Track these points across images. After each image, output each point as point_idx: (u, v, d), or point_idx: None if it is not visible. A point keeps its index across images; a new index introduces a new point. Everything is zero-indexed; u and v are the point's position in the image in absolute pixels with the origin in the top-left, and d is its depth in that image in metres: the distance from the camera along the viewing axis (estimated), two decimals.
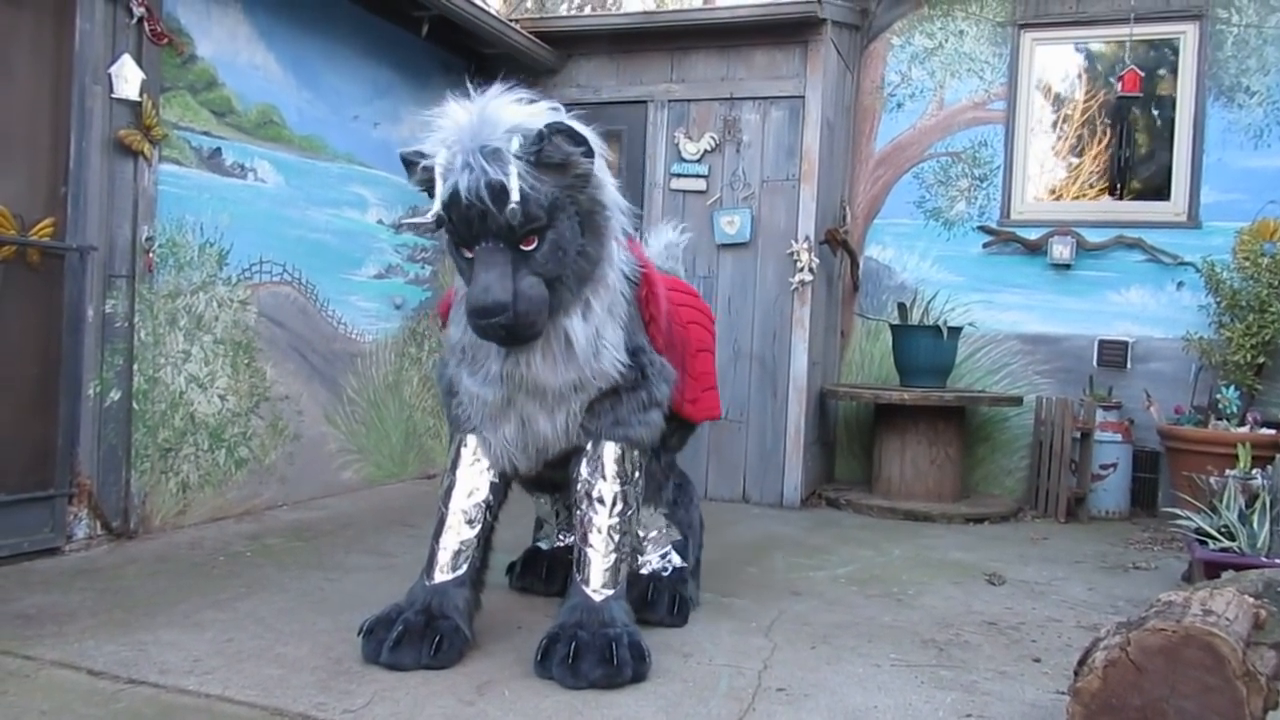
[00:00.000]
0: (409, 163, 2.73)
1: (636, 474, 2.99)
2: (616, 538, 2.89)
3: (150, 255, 4.21)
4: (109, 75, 3.96)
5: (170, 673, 2.68)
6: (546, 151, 2.58)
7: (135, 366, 4.19)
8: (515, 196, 2.52)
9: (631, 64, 6.09)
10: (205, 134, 4.52)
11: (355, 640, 2.89)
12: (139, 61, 4.05)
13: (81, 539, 3.98)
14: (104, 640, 2.91)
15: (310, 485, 5.22)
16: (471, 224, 2.58)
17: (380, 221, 5.70)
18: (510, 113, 2.63)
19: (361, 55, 5.49)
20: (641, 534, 3.36)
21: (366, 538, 4.44)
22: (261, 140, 4.84)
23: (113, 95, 3.98)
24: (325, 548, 4.23)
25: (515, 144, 2.56)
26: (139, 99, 4.04)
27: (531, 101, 2.74)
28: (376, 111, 5.64)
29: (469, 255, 2.66)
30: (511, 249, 2.61)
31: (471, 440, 3.01)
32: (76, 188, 3.89)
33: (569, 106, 6.46)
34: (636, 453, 2.98)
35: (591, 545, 2.88)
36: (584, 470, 2.93)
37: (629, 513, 2.94)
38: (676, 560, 3.44)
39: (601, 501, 2.90)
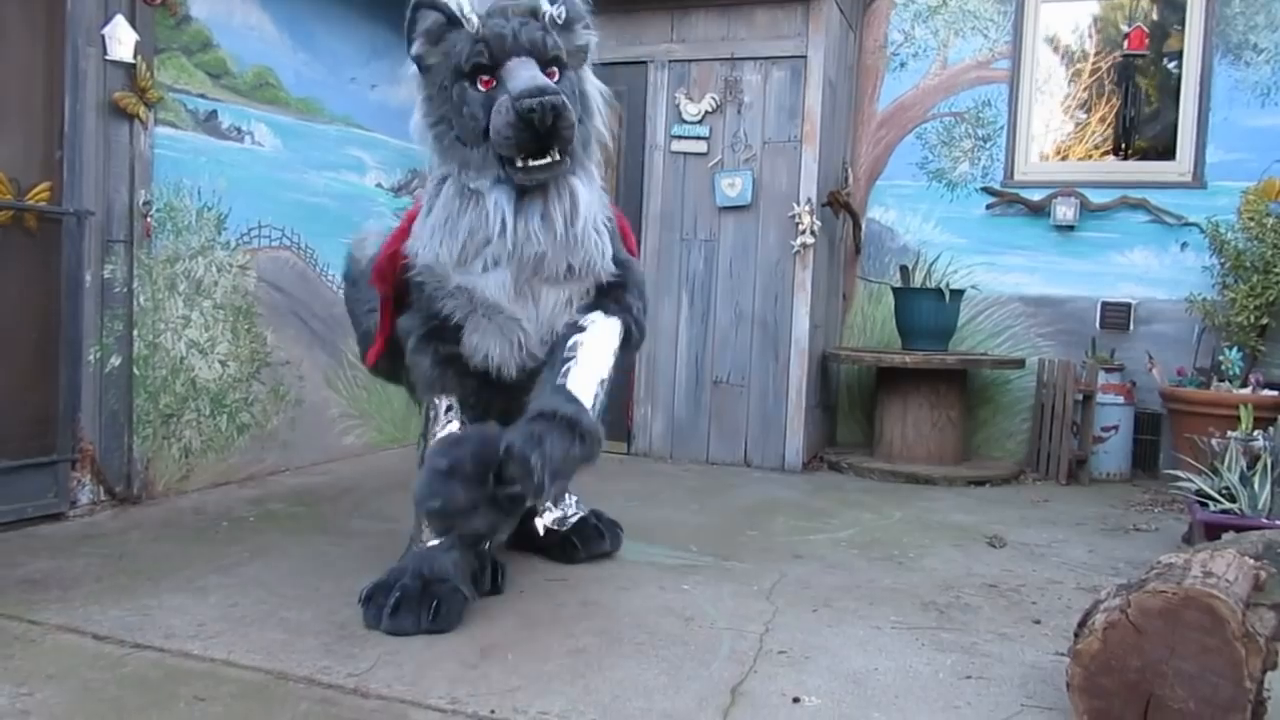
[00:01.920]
0: (420, 5, 2.76)
1: (620, 356, 2.98)
2: (602, 374, 2.86)
3: (148, 220, 4.18)
4: (102, 36, 3.91)
5: (175, 637, 2.70)
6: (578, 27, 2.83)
7: (135, 332, 4.18)
8: (550, 9, 2.75)
9: (631, 24, 6.01)
10: (201, 96, 4.48)
11: (359, 605, 2.90)
12: (132, 22, 3.99)
13: (85, 504, 3.99)
14: (109, 605, 2.92)
15: (312, 450, 5.23)
16: (504, 37, 2.71)
17: (379, 185, 5.66)
18: None
19: (358, 15, 5.42)
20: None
21: (369, 502, 4.46)
22: (258, 103, 4.79)
23: (106, 57, 3.93)
24: (328, 512, 4.24)
25: None
26: (133, 61, 4.00)
27: None
28: (374, 73, 5.58)
29: (485, 84, 2.74)
30: (540, 68, 2.74)
31: (444, 400, 3.05)
32: (72, 151, 3.86)
33: None
34: (631, 336, 3.02)
35: (577, 359, 2.81)
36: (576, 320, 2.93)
37: (609, 377, 2.90)
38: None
39: (594, 331, 2.89)
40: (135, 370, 4.19)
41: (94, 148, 3.94)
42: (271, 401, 4.96)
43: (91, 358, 3.99)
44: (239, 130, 4.69)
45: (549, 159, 2.74)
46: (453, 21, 2.76)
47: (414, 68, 2.88)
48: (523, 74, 2.69)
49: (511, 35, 2.73)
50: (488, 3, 2.78)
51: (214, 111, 4.55)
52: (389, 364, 3.43)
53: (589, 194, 2.89)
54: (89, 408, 3.99)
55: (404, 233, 3.06)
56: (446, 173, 2.88)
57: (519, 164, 2.74)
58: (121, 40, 3.94)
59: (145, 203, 4.16)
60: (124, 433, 4.16)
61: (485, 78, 2.76)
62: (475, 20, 2.73)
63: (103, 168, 3.98)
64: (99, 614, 2.85)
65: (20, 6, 3.71)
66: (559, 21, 2.83)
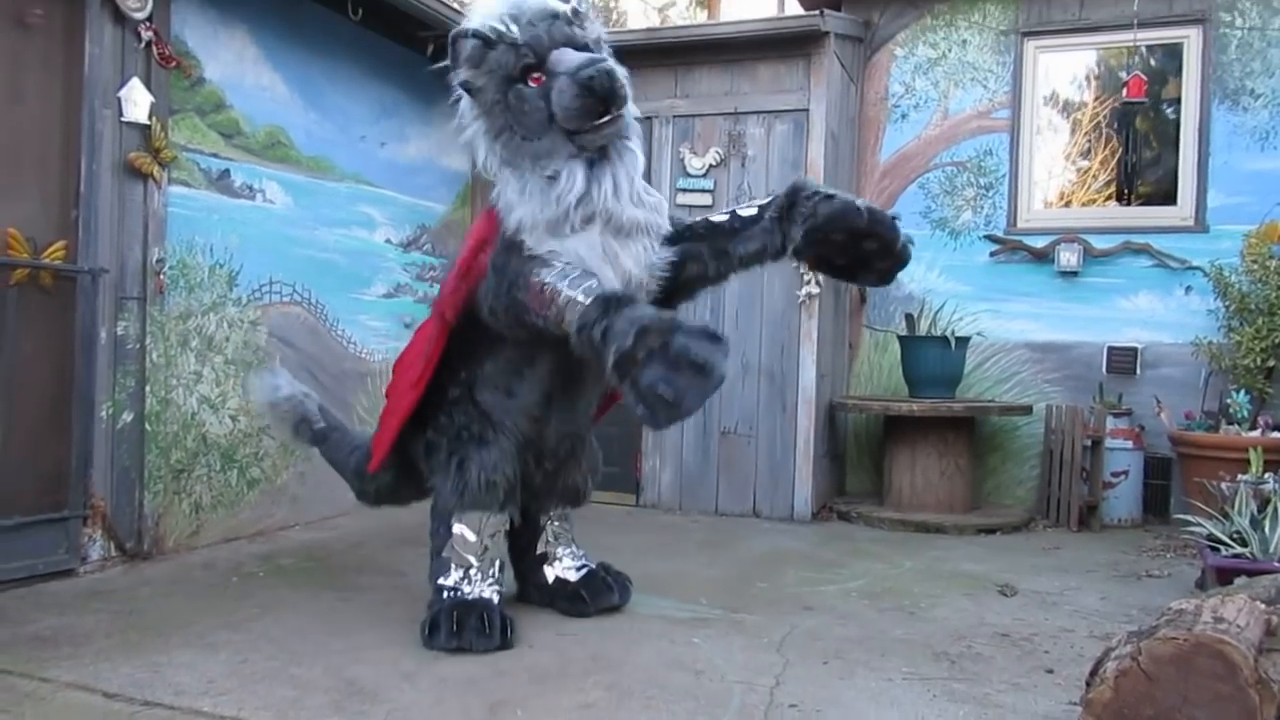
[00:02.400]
0: (459, 37, 3.05)
1: None
2: None
3: (161, 277, 4.24)
4: (118, 99, 4.01)
5: (185, 694, 2.70)
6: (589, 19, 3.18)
7: (147, 388, 4.22)
8: (564, 6, 3.08)
9: (635, 80, 6.02)
10: (214, 155, 4.56)
11: (368, 660, 2.90)
12: (148, 84, 4.09)
13: (96, 560, 4.00)
14: (119, 662, 2.93)
15: (322, 505, 5.24)
16: (541, 38, 3.02)
17: (388, 240, 5.74)
18: None
19: (368, 75, 5.53)
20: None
21: (378, 557, 4.46)
22: (270, 161, 4.88)
23: (122, 118, 4.02)
24: (337, 568, 4.24)
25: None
26: (148, 122, 4.09)
27: None
28: (383, 131, 5.68)
29: (536, 80, 3.03)
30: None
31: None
32: (87, 210, 3.93)
33: None
34: None
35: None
36: None
37: None
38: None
39: None
40: (147, 426, 4.22)
41: (109, 207, 4.01)
42: (281, 456, 4.98)
43: (104, 414, 4.02)
44: (251, 188, 4.77)
45: (613, 114, 3.03)
46: (488, 43, 3.04)
47: (462, 95, 3.17)
48: (570, 57, 3.03)
49: (546, 34, 3.04)
50: (503, 15, 3.05)
51: (226, 170, 4.63)
52: (394, 477, 3.69)
53: (641, 156, 3.23)
54: (101, 464, 4.02)
55: (475, 250, 3.21)
56: (520, 170, 3.12)
57: (589, 128, 3.02)
58: (137, 102, 4.03)
59: (158, 260, 4.23)
60: (135, 488, 4.18)
61: (535, 75, 3.05)
62: (516, 31, 3.01)
63: (117, 226, 4.05)
64: (109, 671, 2.85)
65: (39, 69, 3.81)
66: (573, 18, 3.14)
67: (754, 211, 3.22)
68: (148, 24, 4.09)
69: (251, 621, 3.39)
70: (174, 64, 4.25)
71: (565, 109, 3.00)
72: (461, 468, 3.29)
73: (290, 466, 5.04)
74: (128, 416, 4.14)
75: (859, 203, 3.09)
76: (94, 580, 3.87)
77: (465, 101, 3.20)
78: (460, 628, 3.11)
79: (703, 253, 3.24)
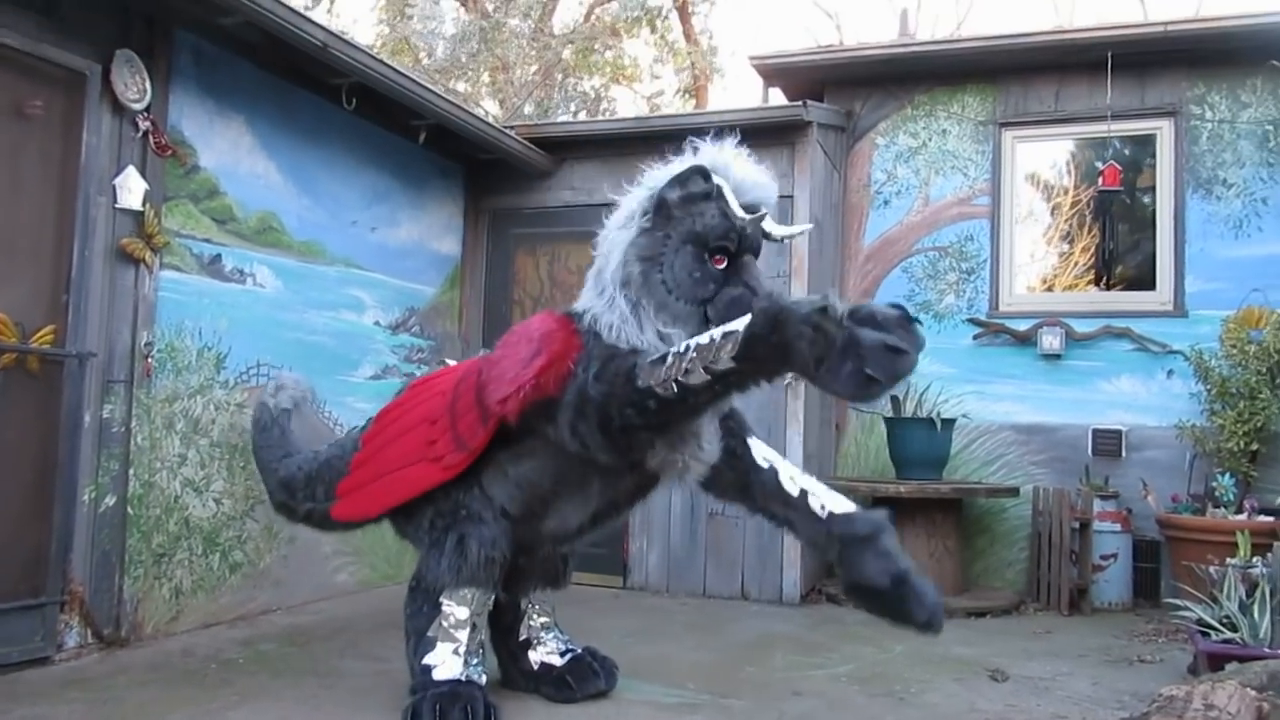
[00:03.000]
0: (678, 179, 3.05)
1: None
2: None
3: (149, 360, 4.25)
4: (113, 186, 4.06)
5: None
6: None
7: (131, 471, 4.19)
8: (776, 230, 3.17)
9: (625, 167, 6.17)
10: (206, 241, 4.61)
11: None
12: (143, 172, 4.16)
13: (72, 647, 3.93)
14: None
15: (305, 589, 5.17)
16: (750, 237, 3.06)
17: (377, 323, 5.78)
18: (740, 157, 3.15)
19: (360, 162, 5.63)
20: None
21: (361, 642, 4.39)
22: (261, 246, 4.94)
23: (116, 205, 4.08)
24: (320, 653, 4.17)
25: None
26: (142, 209, 4.14)
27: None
28: (374, 216, 5.76)
29: (718, 262, 3.03)
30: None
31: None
32: (78, 295, 3.95)
33: (563, 209, 6.64)
34: None
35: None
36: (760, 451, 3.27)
37: None
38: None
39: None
40: (129, 509, 4.19)
41: (100, 292, 4.04)
42: (265, 539, 4.94)
43: (86, 497, 3.99)
44: (242, 272, 4.82)
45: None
46: (710, 196, 3.02)
47: (650, 199, 3.09)
48: (758, 280, 3.06)
49: (753, 233, 3.06)
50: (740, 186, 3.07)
51: (218, 255, 4.68)
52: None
53: None
54: (81, 548, 3.97)
55: (555, 360, 3.04)
56: (639, 305, 3.06)
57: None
58: (132, 189, 4.09)
59: (147, 344, 4.24)
60: (115, 573, 4.13)
61: (720, 257, 3.03)
62: (740, 217, 3.00)
63: (107, 310, 4.08)
64: None
65: (36, 158, 3.87)
66: (774, 239, 3.20)
67: (820, 509, 3.04)
68: (145, 114, 4.17)
69: (230, 710, 3.32)
70: (170, 152, 4.32)
71: (719, 320, 2.92)
72: (461, 544, 3.25)
73: (273, 550, 4.98)
74: (110, 500, 4.11)
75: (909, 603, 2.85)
76: (70, 668, 3.79)
77: (641, 206, 3.11)
78: (444, 717, 3.06)
79: (750, 486, 3.22)
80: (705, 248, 3.03)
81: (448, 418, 3.33)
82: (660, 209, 3.06)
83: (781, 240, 3.39)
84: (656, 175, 3.15)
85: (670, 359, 2.77)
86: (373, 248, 5.75)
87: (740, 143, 3.18)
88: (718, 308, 3.00)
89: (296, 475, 3.88)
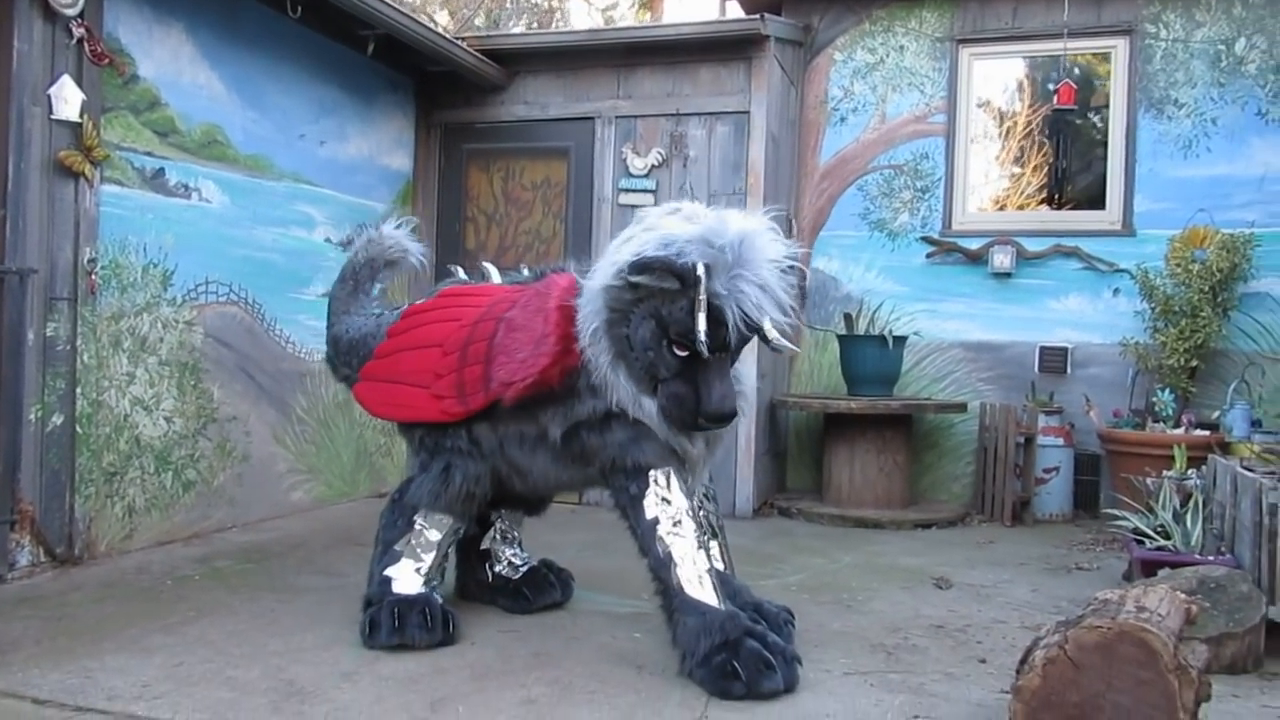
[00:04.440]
0: (647, 267, 2.77)
1: None
2: None
3: (93, 277, 4.16)
4: (48, 96, 3.92)
5: (118, 699, 2.65)
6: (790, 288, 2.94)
7: (78, 390, 4.13)
8: (774, 335, 2.88)
9: (579, 81, 6.13)
10: (148, 154, 4.48)
11: (308, 660, 2.87)
12: (79, 82, 4.00)
13: (24, 566, 3.91)
14: (49, 668, 2.87)
15: (260, 507, 5.17)
16: (726, 344, 2.86)
17: (328, 240, 5.68)
18: (770, 244, 2.90)
19: (307, 74, 5.47)
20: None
21: (317, 558, 4.41)
22: (206, 160, 4.81)
23: (52, 116, 3.93)
24: (276, 569, 4.19)
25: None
26: (79, 120, 4.00)
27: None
28: (323, 130, 5.62)
29: (682, 354, 2.86)
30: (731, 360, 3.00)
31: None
32: (15, 210, 3.83)
33: (516, 123, 6.47)
34: None
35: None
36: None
37: None
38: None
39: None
40: (78, 429, 4.13)
41: (38, 206, 3.92)
42: (218, 458, 4.91)
43: (33, 416, 3.93)
44: (186, 187, 4.69)
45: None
46: (684, 287, 2.78)
47: (622, 272, 2.84)
48: (716, 387, 2.87)
49: (737, 342, 2.89)
50: (731, 258, 2.80)
51: (161, 169, 4.55)
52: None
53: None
54: (29, 468, 3.92)
55: (558, 357, 3.05)
56: (611, 351, 2.97)
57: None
58: (68, 100, 3.94)
59: (90, 260, 4.14)
60: (65, 492, 4.09)
61: (682, 346, 2.87)
62: (702, 341, 2.77)
63: (47, 226, 3.96)
64: (39, 678, 2.79)
65: None
66: (769, 339, 2.92)
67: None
68: (79, 20, 4.00)
69: (187, 625, 3.34)
70: (106, 61, 4.16)
71: (671, 403, 2.91)
72: (446, 472, 3.28)
73: (227, 468, 4.96)
74: (57, 419, 4.05)
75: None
76: (22, 587, 3.78)
77: (619, 276, 2.86)
78: (402, 623, 3.10)
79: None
80: (665, 334, 2.87)
81: (458, 356, 3.25)
82: (630, 283, 2.84)
83: (775, 350, 3.14)
84: (653, 219, 2.96)
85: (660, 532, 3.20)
86: (322, 162, 5.62)
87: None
88: (662, 395, 2.94)
89: (343, 337, 3.75)
